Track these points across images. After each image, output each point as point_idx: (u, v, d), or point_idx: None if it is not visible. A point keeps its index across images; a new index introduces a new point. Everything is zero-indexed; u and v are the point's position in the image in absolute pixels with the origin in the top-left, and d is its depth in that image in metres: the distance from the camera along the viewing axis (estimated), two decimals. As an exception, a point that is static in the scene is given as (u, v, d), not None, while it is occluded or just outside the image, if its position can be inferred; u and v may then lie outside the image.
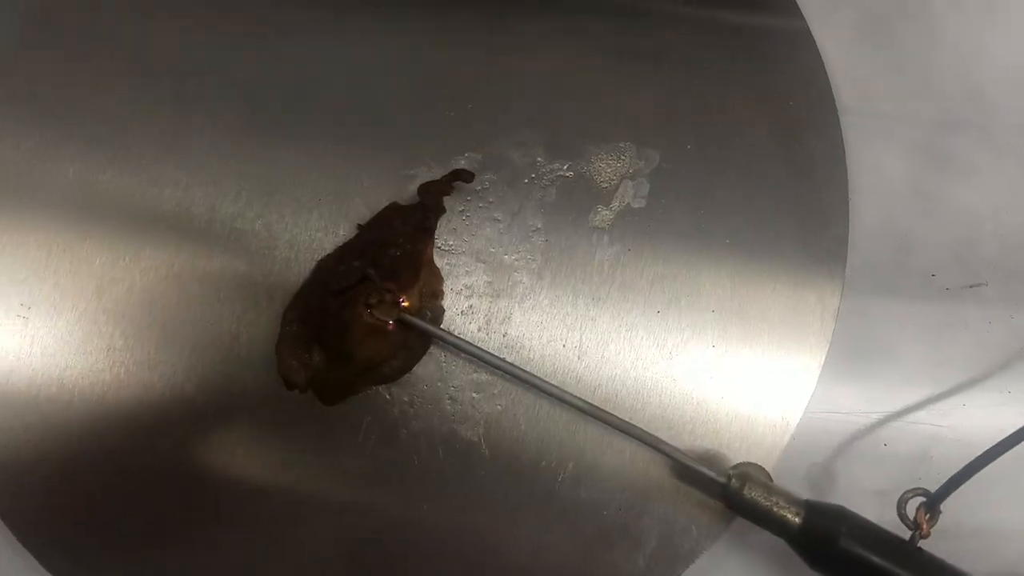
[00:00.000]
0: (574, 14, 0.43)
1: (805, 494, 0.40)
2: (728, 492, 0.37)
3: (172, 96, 0.41)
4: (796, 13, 0.43)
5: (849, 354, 0.41)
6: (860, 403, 0.41)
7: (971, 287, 0.42)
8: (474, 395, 0.39)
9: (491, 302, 0.40)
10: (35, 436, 0.38)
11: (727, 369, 0.40)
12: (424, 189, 0.40)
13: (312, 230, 0.40)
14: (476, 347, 0.38)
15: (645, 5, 0.43)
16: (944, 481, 0.37)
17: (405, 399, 0.39)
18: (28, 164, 0.40)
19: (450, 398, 0.39)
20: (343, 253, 0.40)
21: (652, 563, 0.38)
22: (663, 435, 0.38)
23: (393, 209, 0.40)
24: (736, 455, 0.39)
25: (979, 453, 0.37)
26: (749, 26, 0.43)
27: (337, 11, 0.42)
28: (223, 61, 0.42)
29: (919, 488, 0.38)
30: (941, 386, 0.41)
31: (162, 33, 0.42)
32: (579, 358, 0.40)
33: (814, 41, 0.43)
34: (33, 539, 0.38)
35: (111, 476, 0.38)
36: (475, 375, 0.39)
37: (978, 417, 0.41)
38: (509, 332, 0.40)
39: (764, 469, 0.38)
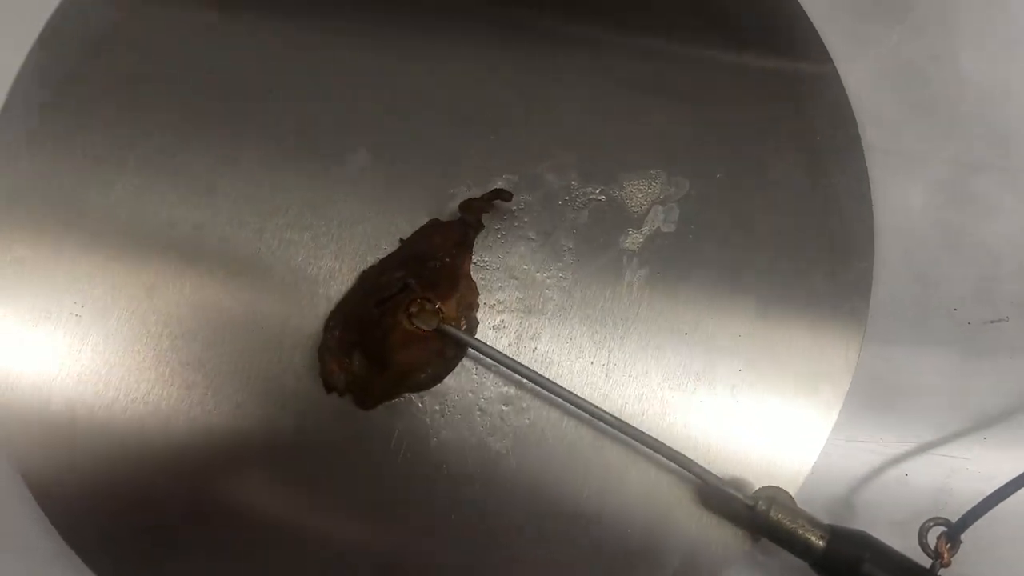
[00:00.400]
0: (611, 51, 0.45)
1: (826, 521, 0.40)
2: (755, 513, 0.37)
3: (227, 114, 0.44)
4: (825, 55, 0.45)
5: (872, 385, 0.42)
6: (882, 434, 0.42)
7: (993, 322, 0.43)
8: (503, 407, 0.41)
9: (522, 317, 0.42)
10: (81, 429, 0.40)
11: (753, 394, 0.40)
12: (465, 206, 0.41)
13: (356, 242, 0.42)
14: (509, 358, 0.40)
15: (680, 47, 0.45)
16: (964, 512, 0.37)
17: (436, 408, 0.40)
18: (90, 171, 0.42)
19: (480, 409, 0.41)
20: (385, 265, 0.41)
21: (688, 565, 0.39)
22: (689, 450, 0.39)
23: (434, 225, 0.42)
24: (759, 480, 0.40)
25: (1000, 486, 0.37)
26: (780, 66, 0.45)
27: (384, 38, 0.45)
28: (276, 83, 0.44)
29: (940, 517, 0.38)
30: (962, 419, 0.42)
31: (219, 57, 0.44)
32: (607, 376, 0.41)
33: (841, 81, 0.45)
34: (77, 536, 0.39)
35: (153, 472, 0.39)
36: (505, 388, 0.41)
37: (999, 450, 0.42)
38: (539, 347, 0.41)
39: (788, 493, 0.39)
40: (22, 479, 0.40)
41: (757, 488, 0.39)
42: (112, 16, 0.45)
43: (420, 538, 0.39)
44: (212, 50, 0.45)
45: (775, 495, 0.38)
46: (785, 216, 0.42)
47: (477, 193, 0.42)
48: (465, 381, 0.41)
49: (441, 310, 0.40)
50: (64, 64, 0.44)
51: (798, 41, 0.45)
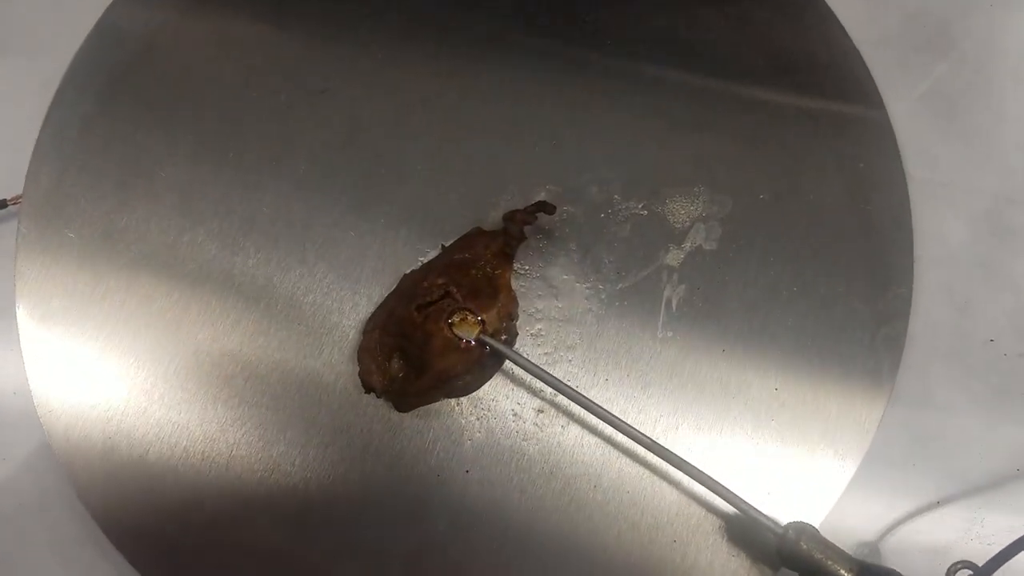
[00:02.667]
0: (658, 66, 0.44)
1: (854, 544, 0.40)
2: (783, 543, 0.36)
3: (278, 111, 0.43)
4: (871, 85, 0.44)
5: (907, 410, 0.41)
6: (915, 460, 0.41)
7: (1029, 355, 0.43)
8: (539, 414, 0.40)
9: (561, 327, 0.41)
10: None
11: (788, 412, 0.40)
12: (509, 217, 0.41)
13: (400, 245, 0.41)
14: (546, 372, 0.39)
15: (729, 73, 0.44)
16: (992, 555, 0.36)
17: (472, 411, 0.40)
18: (139, 161, 0.42)
19: (515, 415, 0.40)
20: (427, 270, 0.41)
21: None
22: (719, 471, 0.38)
23: (477, 233, 0.41)
24: (792, 498, 0.39)
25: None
26: (826, 93, 0.44)
27: (437, 46, 0.45)
28: (330, 83, 0.44)
29: (967, 561, 0.37)
30: (996, 450, 0.41)
31: (273, 55, 0.44)
32: (643, 388, 0.40)
33: (886, 111, 0.44)
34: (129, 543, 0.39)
35: (193, 456, 0.39)
36: (541, 395, 0.40)
37: (1032, 483, 0.41)
38: (576, 357, 0.41)
39: (816, 529, 0.37)
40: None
41: (785, 522, 0.38)
42: (165, 13, 0.45)
43: (450, 539, 0.38)
44: (265, 49, 0.45)
45: (804, 527, 0.37)
46: (825, 240, 0.42)
47: (520, 202, 0.42)
48: (502, 386, 0.40)
49: (483, 321, 0.40)
50: (117, 56, 0.44)
51: (846, 70, 0.44)
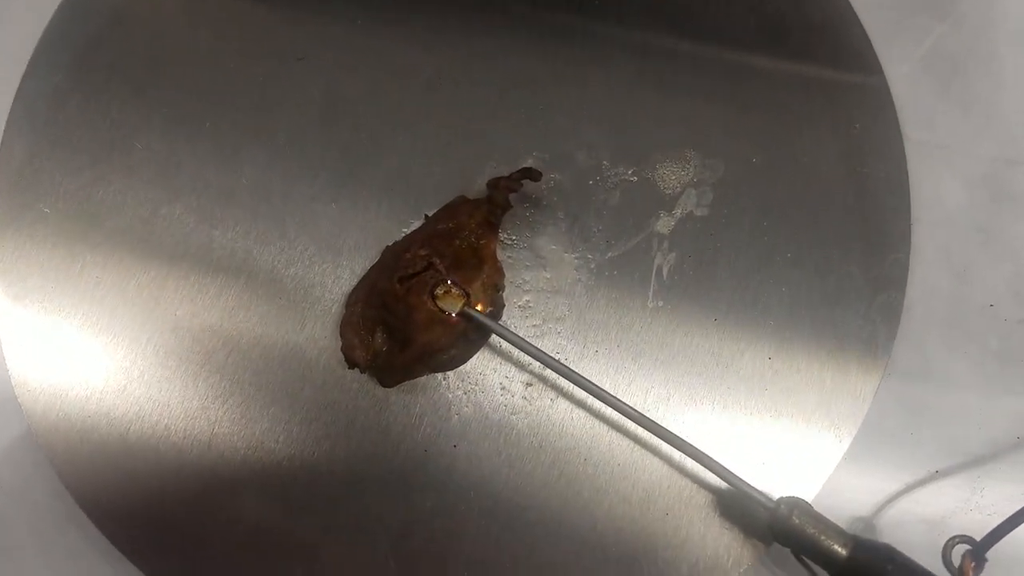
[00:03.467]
0: (647, 30, 0.43)
1: (851, 515, 0.39)
2: (776, 518, 0.35)
3: (260, 79, 0.42)
4: (868, 47, 0.43)
5: (904, 380, 0.40)
6: (912, 430, 0.40)
7: (1029, 320, 0.41)
8: (528, 388, 0.39)
9: (549, 298, 0.40)
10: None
11: (782, 383, 0.38)
12: (493, 184, 0.39)
13: (383, 216, 0.40)
14: (533, 346, 0.38)
15: (721, 34, 0.43)
16: (991, 528, 0.35)
17: (460, 385, 0.39)
18: (113, 134, 0.41)
19: (503, 388, 0.39)
20: (410, 241, 0.40)
21: (695, 572, 0.37)
22: (711, 443, 0.37)
23: (461, 202, 0.40)
24: (786, 470, 0.38)
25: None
26: (821, 55, 0.43)
27: (416, 12, 0.43)
28: (310, 51, 0.42)
29: (964, 536, 0.36)
30: (995, 417, 0.40)
31: (249, 24, 0.43)
32: (634, 359, 0.39)
33: (883, 73, 0.43)
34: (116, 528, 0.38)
35: (174, 435, 0.38)
36: (530, 369, 0.39)
37: (1033, 451, 0.40)
38: (565, 329, 0.39)
39: (809, 504, 0.36)
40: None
41: (778, 496, 0.36)
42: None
43: (438, 514, 0.37)
44: (239, 17, 0.43)
45: (796, 502, 0.36)
46: (820, 204, 0.40)
47: (507, 170, 0.40)
48: (489, 359, 0.39)
49: (467, 293, 0.39)
50: (88, 28, 0.43)
51: (841, 32, 0.43)
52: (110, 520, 0.37)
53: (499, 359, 0.39)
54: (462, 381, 0.39)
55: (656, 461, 0.37)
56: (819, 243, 0.40)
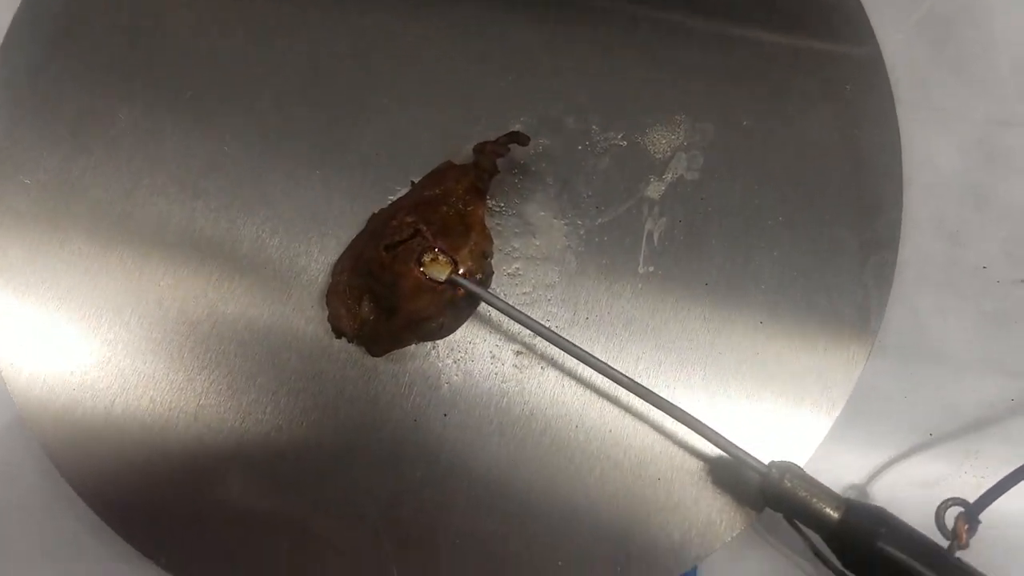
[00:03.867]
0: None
1: (845, 480, 0.38)
2: (767, 482, 0.35)
3: (241, 47, 0.41)
4: (859, 7, 0.42)
5: (897, 343, 0.40)
6: (906, 392, 0.40)
7: (1022, 281, 0.41)
8: (518, 356, 0.38)
9: (539, 265, 0.39)
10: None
11: (773, 347, 0.38)
12: (479, 149, 0.38)
13: (368, 183, 0.39)
14: (522, 313, 0.37)
15: (708, 3, 0.42)
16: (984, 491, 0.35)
17: (449, 354, 0.38)
18: (94, 105, 0.40)
19: (493, 357, 0.38)
20: (396, 208, 0.39)
21: (687, 537, 0.36)
22: (703, 409, 0.37)
23: (447, 167, 0.39)
24: (777, 435, 0.37)
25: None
26: (812, 16, 0.42)
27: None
28: (290, 21, 0.41)
29: (958, 498, 0.35)
30: (989, 379, 0.39)
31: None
32: (625, 326, 0.38)
33: (874, 34, 0.42)
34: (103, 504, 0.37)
35: (160, 407, 0.37)
36: (520, 337, 0.38)
37: (1026, 413, 0.39)
38: (555, 296, 0.39)
39: (801, 468, 0.36)
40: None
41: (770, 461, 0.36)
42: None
43: (428, 484, 0.37)
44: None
45: (788, 466, 0.35)
46: (812, 166, 0.40)
47: (494, 135, 0.39)
48: (479, 327, 0.38)
49: (454, 261, 0.38)
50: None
51: (833, -6, 0.42)
52: (96, 493, 0.37)
53: (489, 328, 0.39)
54: (451, 350, 0.38)
55: (648, 427, 0.37)
56: (810, 206, 0.39)
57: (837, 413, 0.38)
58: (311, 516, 0.37)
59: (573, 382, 0.38)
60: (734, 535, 0.36)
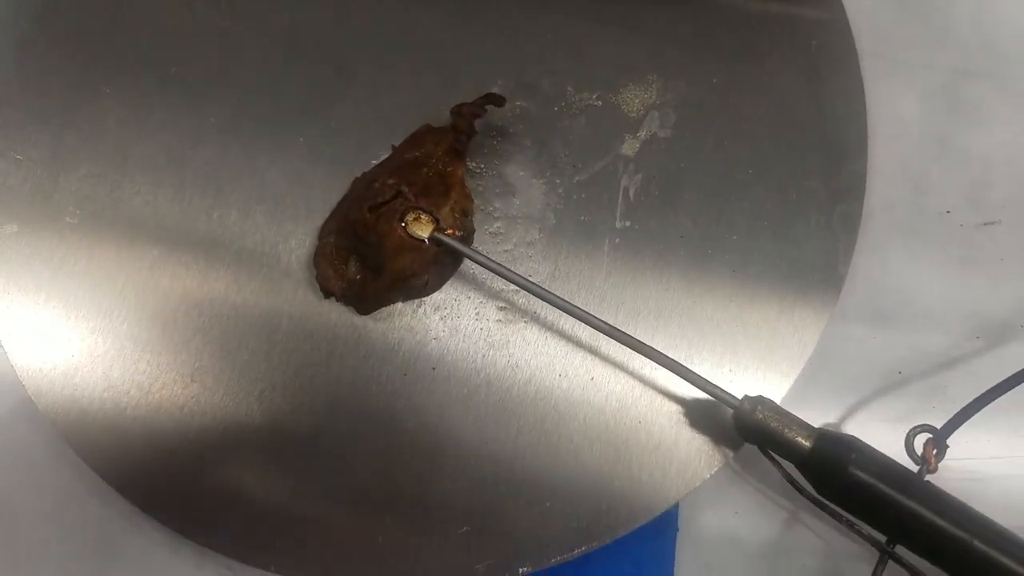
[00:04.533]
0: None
1: (819, 420, 0.39)
2: (740, 414, 0.36)
3: (219, 24, 0.42)
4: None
5: (866, 287, 0.41)
6: (876, 334, 0.41)
7: (984, 225, 0.42)
8: (502, 311, 0.39)
9: (519, 224, 0.40)
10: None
11: (747, 294, 0.39)
12: (456, 111, 0.39)
13: (352, 148, 0.40)
14: (503, 267, 0.38)
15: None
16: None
17: (436, 311, 0.39)
18: (79, 85, 0.41)
19: (478, 314, 0.39)
20: (378, 171, 0.40)
21: (667, 476, 0.38)
22: (680, 355, 0.38)
23: (426, 130, 0.40)
24: (751, 377, 0.39)
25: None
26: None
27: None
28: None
29: (926, 424, 0.37)
30: (955, 319, 0.41)
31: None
32: (604, 279, 0.39)
33: (838, -9, 0.43)
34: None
35: (156, 369, 0.38)
36: (503, 295, 0.39)
37: (991, 351, 0.41)
38: (536, 253, 0.40)
39: (774, 402, 0.37)
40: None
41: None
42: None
43: (418, 436, 0.38)
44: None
45: (761, 399, 0.37)
46: (780, 120, 0.41)
47: (472, 98, 0.40)
48: (464, 285, 0.39)
49: (436, 219, 0.39)
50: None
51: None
52: (97, 456, 0.38)
53: (473, 285, 0.40)
54: (437, 308, 0.39)
55: (627, 374, 0.38)
56: (779, 158, 0.41)
57: (808, 355, 0.39)
58: (306, 470, 0.38)
59: (555, 334, 0.39)
60: (712, 472, 0.37)
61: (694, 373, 0.36)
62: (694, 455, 0.37)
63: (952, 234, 0.42)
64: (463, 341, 0.39)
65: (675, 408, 0.38)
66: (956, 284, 0.41)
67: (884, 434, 0.39)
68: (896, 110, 0.43)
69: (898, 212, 0.42)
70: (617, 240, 0.40)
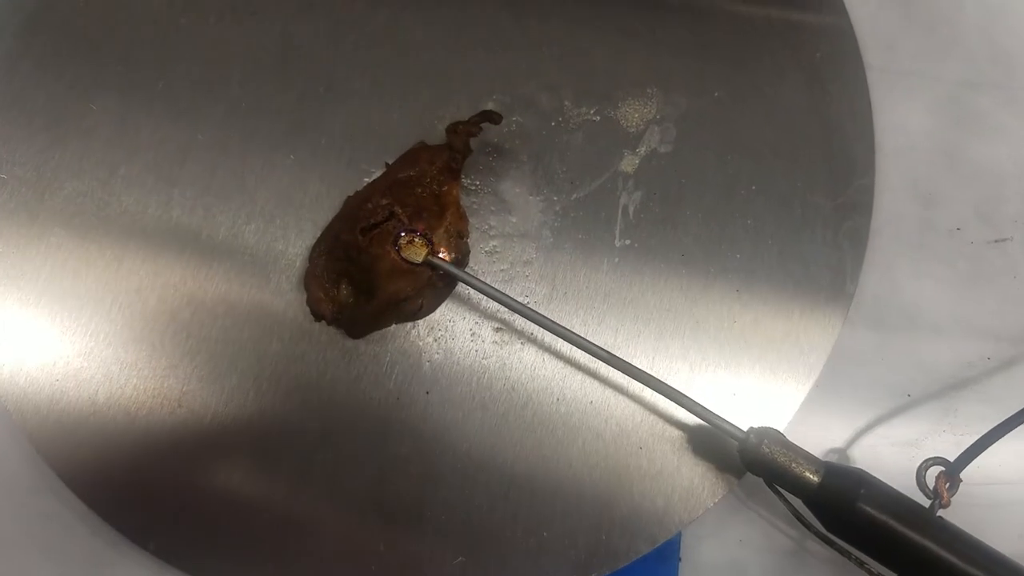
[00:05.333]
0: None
1: (826, 444, 0.38)
2: (746, 448, 0.34)
3: (209, 35, 0.40)
4: (825, -28, 0.42)
5: (873, 306, 0.40)
6: (884, 355, 0.39)
7: (996, 242, 0.40)
8: (497, 332, 0.38)
9: (516, 242, 0.39)
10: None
11: (750, 314, 0.38)
12: (452, 130, 0.38)
13: (343, 166, 0.39)
14: (499, 292, 0.37)
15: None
16: (963, 450, 0.35)
17: (429, 333, 0.38)
18: (68, 96, 0.40)
19: (473, 334, 0.38)
20: (371, 191, 0.38)
21: (670, 504, 0.36)
22: (682, 378, 0.37)
23: (421, 148, 0.39)
24: (756, 401, 0.37)
25: (1002, 410, 0.35)
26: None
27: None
28: (262, 6, 0.41)
29: (938, 457, 0.35)
30: (965, 339, 0.39)
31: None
32: (603, 299, 0.38)
33: (842, 0, 0.42)
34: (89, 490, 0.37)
35: (143, 395, 0.37)
36: (499, 315, 0.38)
37: (1003, 371, 0.39)
38: (533, 272, 0.38)
39: (781, 433, 0.36)
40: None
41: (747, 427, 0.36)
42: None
43: (412, 461, 0.36)
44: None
45: (766, 431, 0.35)
46: (784, 135, 0.39)
47: (467, 114, 0.39)
48: (458, 306, 0.38)
49: (430, 242, 0.37)
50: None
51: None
52: (83, 482, 0.36)
53: (468, 306, 0.38)
54: (431, 329, 0.38)
55: (628, 397, 0.37)
56: (783, 174, 0.39)
57: (815, 377, 0.38)
58: (297, 498, 0.36)
59: (553, 356, 0.38)
60: (716, 500, 0.36)
61: (697, 404, 0.35)
62: (697, 482, 0.36)
63: (962, 251, 0.40)
64: (458, 364, 0.37)
65: (678, 433, 0.36)
66: (966, 302, 0.40)
67: (894, 460, 0.38)
68: (904, 123, 0.41)
69: (907, 228, 0.40)
70: (616, 259, 0.38)
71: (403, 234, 0.37)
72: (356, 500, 0.36)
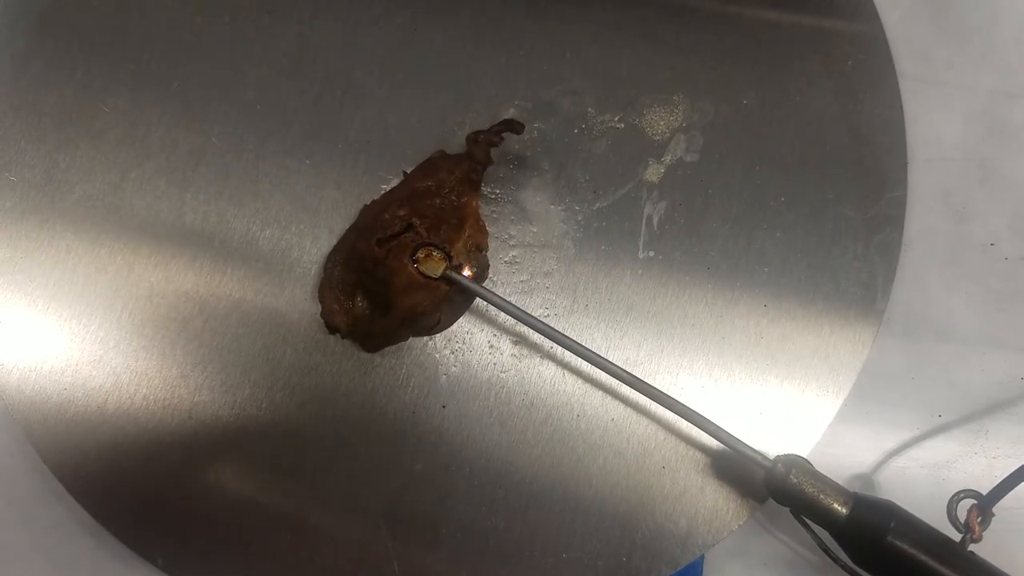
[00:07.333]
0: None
1: (854, 467, 0.37)
2: (772, 476, 0.33)
3: (224, 35, 0.39)
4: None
5: (903, 323, 0.38)
6: (914, 374, 0.38)
7: (1032, 258, 0.39)
8: (516, 345, 0.36)
9: (536, 252, 0.37)
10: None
11: (778, 331, 0.36)
12: (472, 139, 0.36)
13: (360, 172, 0.37)
14: (519, 309, 0.35)
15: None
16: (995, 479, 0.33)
17: (447, 345, 0.36)
18: (80, 96, 0.38)
19: (491, 347, 0.36)
20: (388, 201, 0.37)
21: (693, 526, 0.35)
22: (707, 394, 0.35)
23: (440, 157, 0.37)
24: (784, 419, 0.36)
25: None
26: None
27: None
28: (277, 8, 0.39)
29: (970, 490, 0.34)
30: (998, 358, 0.38)
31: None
32: (626, 312, 0.36)
33: (874, 6, 0.40)
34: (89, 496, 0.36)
35: (153, 404, 0.35)
36: (518, 328, 0.36)
37: (1037, 392, 0.38)
38: (553, 283, 0.37)
39: (808, 462, 0.34)
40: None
41: (776, 451, 0.34)
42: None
43: (428, 477, 0.35)
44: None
45: (794, 460, 0.34)
46: (814, 145, 0.38)
47: (487, 121, 0.37)
48: (477, 318, 0.37)
49: (449, 256, 0.36)
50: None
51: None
52: (90, 494, 0.35)
53: (486, 318, 0.37)
54: (448, 341, 0.37)
55: (650, 416, 0.35)
56: (813, 185, 0.37)
57: (844, 396, 0.36)
58: (310, 512, 0.35)
59: (573, 371, 0.36)
60: (741, 523, 0.35)
61: (722, 429, 0.33)
62: (722, 504, 0.34)
63: (995, 267, 0.38)
64: (475, 378, 0.36)
65: (701, 454, 0.35)
66: (999, 320, 0.38)
67: (924, 482, 0.36)
68: (937, 134, 0.39)
69: (939, 243, 0.39)
70: (640, 271, 0.37)
71: (420, 247, 0.35)
72: (370, 516, 0.35)
